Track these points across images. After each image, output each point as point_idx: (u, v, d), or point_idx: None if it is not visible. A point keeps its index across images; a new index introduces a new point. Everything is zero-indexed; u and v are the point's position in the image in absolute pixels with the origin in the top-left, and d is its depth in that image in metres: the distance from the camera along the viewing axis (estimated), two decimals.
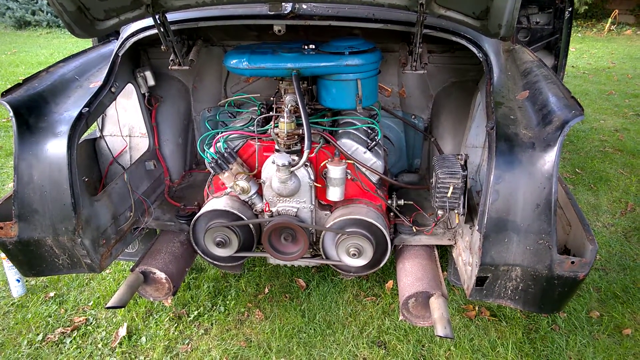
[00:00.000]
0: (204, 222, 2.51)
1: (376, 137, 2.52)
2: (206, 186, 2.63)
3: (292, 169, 2.28)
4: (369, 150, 2.45)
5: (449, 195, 2.05)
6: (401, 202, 2.58)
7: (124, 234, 2.54)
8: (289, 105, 2.37)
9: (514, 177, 1.76)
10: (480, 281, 1.92)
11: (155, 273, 2.45)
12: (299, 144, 2.38)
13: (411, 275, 2.31)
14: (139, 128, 2.97)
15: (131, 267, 2.50)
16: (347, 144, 2.41)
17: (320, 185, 2.42)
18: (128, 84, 2.74)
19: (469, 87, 2.78)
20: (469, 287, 2.02)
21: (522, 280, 1.87)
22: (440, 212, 2.19)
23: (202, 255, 2.60)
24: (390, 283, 3.05)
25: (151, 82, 2.86)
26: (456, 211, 2.08)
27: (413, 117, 3.06)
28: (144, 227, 2.66)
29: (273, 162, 2.34)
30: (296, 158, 2.33)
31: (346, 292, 3.02)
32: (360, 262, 2.38)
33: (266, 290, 3.08)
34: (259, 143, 2.47)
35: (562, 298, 1.89)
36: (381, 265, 2.46)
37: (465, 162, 2.11)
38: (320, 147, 2.38)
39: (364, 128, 2.58)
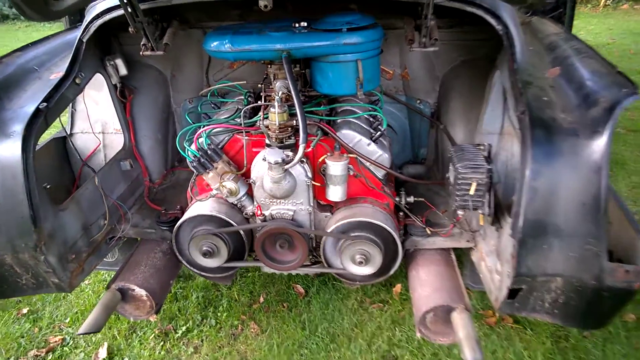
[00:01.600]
0: (188, 229, 2.20)
1: (380, 127, 2.21)
2: (189, 188, 2.31)
3: (286, 166, 1.97)
4: (373, 141, 2.15)
5: (471, 192, 1.75)
6: (411, 199, 2.28)
7: (98, 245, 2.23)
8: (280, 92, 2.05)
9: (554, 171, 1.47)
10: (512, 293, 1.63)
11: (134, 290, 2.14)
12: (293, 137, 2.07)
13: (427, 285, 2.03)
14: (112, 123, 2.65)
15: (107, 283, 2.20)
16: (349, 136, 2.10)
17: (319, 184, 2.11)
18: (96, 74, 2.41)
19: (481, 66, 2.46)
20: (498, 299, 1.73)
21: (563, 293, 1.58)
22: (460, 213, 1.89)
23: (188, 266, 2.29)
24: (398, 287, 2.76)
25: (123, 71, 2.52)
26: (480, 211, 1.78)
27: (418, 102, 2.75)
28: (121, 236, 2.34)
29: (264, 160, 2.03)
30: (290, 154, 2.02)
31: (350, 298, 2.74)
32: (367, 270, 2.09)
33: (261, 299, 2.78)
34: (246, 137, 2.15)
35: (611, 312, 1.62)
36: (391, 272, 2.17)
37: (489, 153, 1.81)
38: (318, 140, 2.07)
39: (366, 117, 2.27)
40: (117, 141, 2.66)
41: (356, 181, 2.18)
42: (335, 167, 2.03)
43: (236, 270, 2.38)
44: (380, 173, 2.19)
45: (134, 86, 2.69)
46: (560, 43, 2.03)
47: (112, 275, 2.22)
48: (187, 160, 2.15)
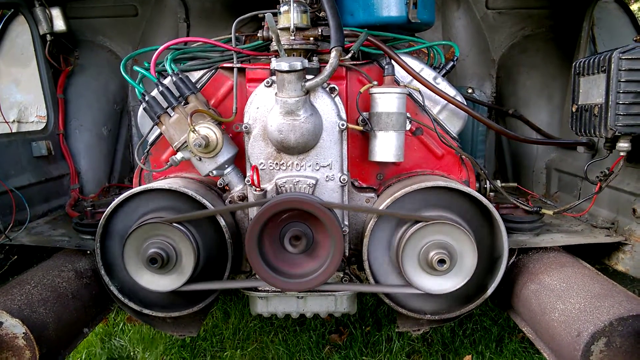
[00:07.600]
0: (126, 220, 1.24)
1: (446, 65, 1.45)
2: (137, 167, 1.39)
3: (309, 83, 1.14)
4: (443, 76, 1.37)
5: None
6: (498, 183, 1.43)
7: None
8: None
9: None
10: None
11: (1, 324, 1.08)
12: (316, 58, 1.27)
13: (576, 294, 1.07)
14: (36, 109, 1.85)
15: None
16: (408, 62, 1.31)
17: (359, 128, 1.25)
18: (14, 16, 1.67)
19: (550, 39, 1.88)
20: None
21: None
22: (624, 147, 1.05)
23: (119, 295, 1.26)
24: (467, 359, 1.72)
25: (60, 25, 1.78)
26: None
27: (470, 91, 2.03)
28: (4, 245, 1.34)
29: (267, 85, 1.21)
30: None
31: None
32: (450, 281, 1.14)
33: None
34: (238, 64, 1.33)
35: None
36: (489, 292, 1.21)
37: None
38: (362, 42, 1.25)
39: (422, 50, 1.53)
40: None
41: (416, 143, 1.34)
42: (388, 99, 1.21)
43: (209, 302, 1.33)
44: (455, 128, 1.36)
45: (76, 55, 1.91)
46: None
47: None
48: (136, 92, 1.28)
